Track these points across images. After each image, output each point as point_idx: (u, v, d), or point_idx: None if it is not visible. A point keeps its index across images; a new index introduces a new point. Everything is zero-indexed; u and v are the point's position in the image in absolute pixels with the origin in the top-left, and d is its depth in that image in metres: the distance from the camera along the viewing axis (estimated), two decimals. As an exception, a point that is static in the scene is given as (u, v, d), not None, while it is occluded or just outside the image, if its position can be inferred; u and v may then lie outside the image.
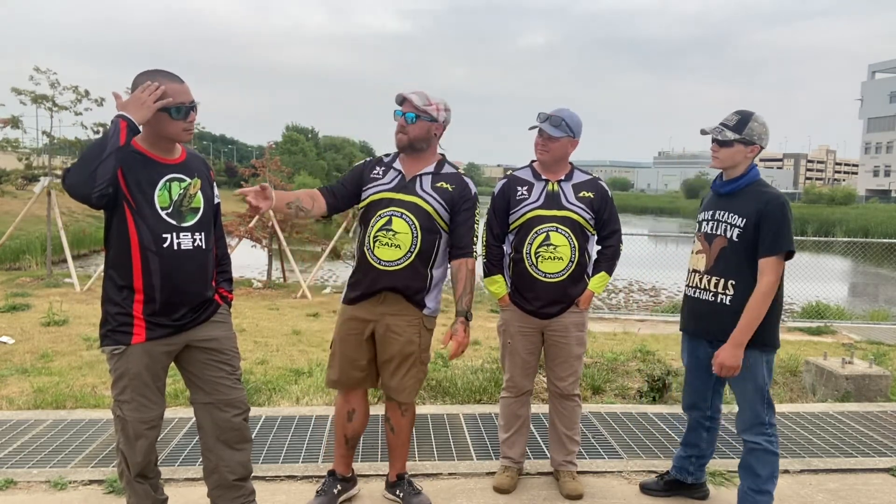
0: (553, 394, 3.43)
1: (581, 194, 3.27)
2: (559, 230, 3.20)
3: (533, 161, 3.37)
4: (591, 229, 3.31)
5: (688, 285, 3.13)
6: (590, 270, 3.34)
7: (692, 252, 3.14)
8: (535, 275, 3.23)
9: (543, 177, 3.29)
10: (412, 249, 2.95)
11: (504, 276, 3.35)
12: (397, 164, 3.07)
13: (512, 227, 3.29)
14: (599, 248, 3.40)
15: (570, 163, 3.35)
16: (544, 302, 3.26)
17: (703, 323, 3.04)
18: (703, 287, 3.02)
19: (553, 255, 3.21)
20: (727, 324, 2.90)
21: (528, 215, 3.23)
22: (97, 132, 10.92)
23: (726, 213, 2.97)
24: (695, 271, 3.08)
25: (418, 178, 3.02)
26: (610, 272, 3.36)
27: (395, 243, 2.94)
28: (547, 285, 3.23)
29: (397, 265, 2.95)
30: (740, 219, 2.91)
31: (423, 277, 3.02)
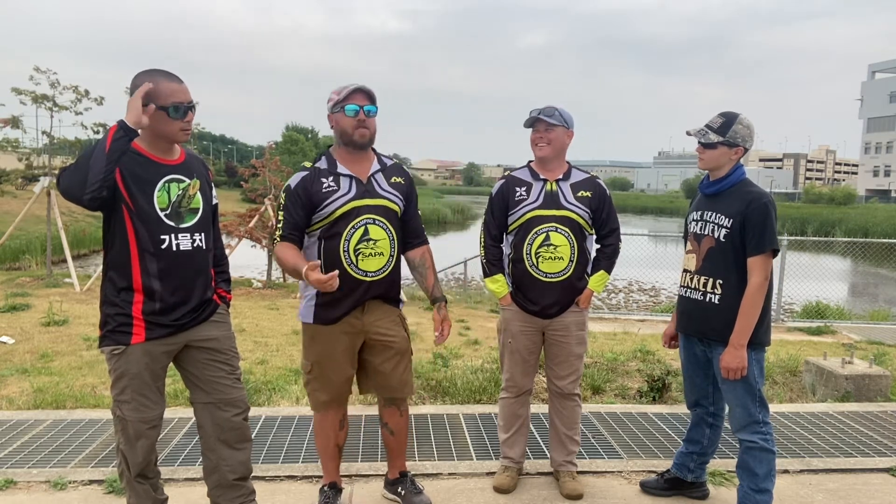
0: (553, 393, 3.43)
1: (580, 193, 3.27)
2: (559, 230, 3.20)
3: (530, 161, 3.37)
4: (590, 229, 3.31)
5: (680, 285, 3.18)
6: (589, 269, 3.35)
7: (685, 252, 3.18)
8: (536, 275, 3.23)
9: (542, 176, 3.28)
10: (392, 253, 2.92)
11: (504, 276, 3.35)
12: (343, 170, 2.87)
13: (511, 227, 3.29)
14: (598, 246, 3.40)
15: (568, 162, 3.35)
16: (547, 302, 3.26)
17: (694, 321, 3.09)
18: (692, 286, 3.07)
19: (553, 255, 3.20)
20: (716, 322, 2.96)
21: (528, 216, 3.23)
22: (97, 132, 10.92)
23: (713, 214, 3.00)
24: (686, 271, 3.13)
25: (373, 179, 2.91)
26: (609, 271, 3.37)
27: (377, 251, 2.86)
28: (549, 285, 3.23)
29: (383, 273, 2.90)
30: (727, 219, 2.94)
31: (399, 276, 3.04)
